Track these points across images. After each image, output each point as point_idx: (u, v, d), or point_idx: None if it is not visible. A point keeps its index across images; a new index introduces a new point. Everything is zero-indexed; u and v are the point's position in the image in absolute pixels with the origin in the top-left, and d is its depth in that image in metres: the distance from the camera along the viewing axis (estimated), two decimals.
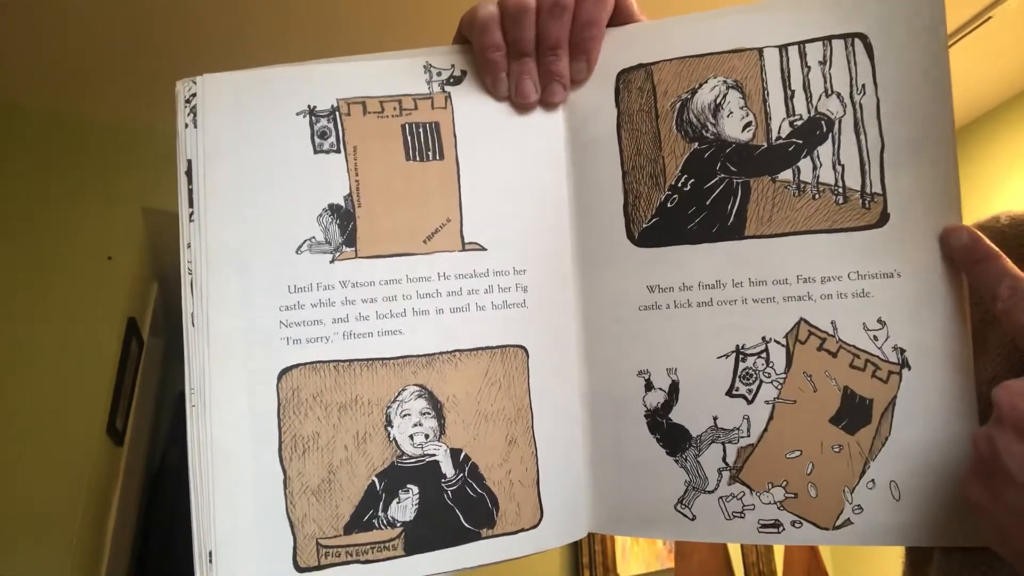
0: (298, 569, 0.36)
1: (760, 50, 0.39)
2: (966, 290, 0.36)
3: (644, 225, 0.41)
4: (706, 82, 0.40)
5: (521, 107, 0.42)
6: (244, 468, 0.36)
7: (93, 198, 1.78)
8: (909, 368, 0.36)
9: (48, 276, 1.72)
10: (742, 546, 2.12)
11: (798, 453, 0.38)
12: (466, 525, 0.38)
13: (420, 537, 0.37)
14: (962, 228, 0.35)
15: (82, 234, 1.76)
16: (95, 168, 1.82)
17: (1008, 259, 0.33)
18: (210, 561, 0.35)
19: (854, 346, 0.37)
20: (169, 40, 1.55)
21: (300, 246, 0.39)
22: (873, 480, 0.36)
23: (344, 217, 0.40)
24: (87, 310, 1.72)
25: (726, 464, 0.39)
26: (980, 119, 2.15)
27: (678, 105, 0.41)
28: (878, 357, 0.37)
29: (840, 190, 0.38)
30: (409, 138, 0.41)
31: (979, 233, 0.34)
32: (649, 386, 0.40)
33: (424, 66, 0.42)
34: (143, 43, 1.59)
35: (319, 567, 0.36)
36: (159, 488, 2.46)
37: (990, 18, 1.67)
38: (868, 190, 0.38)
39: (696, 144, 0.41)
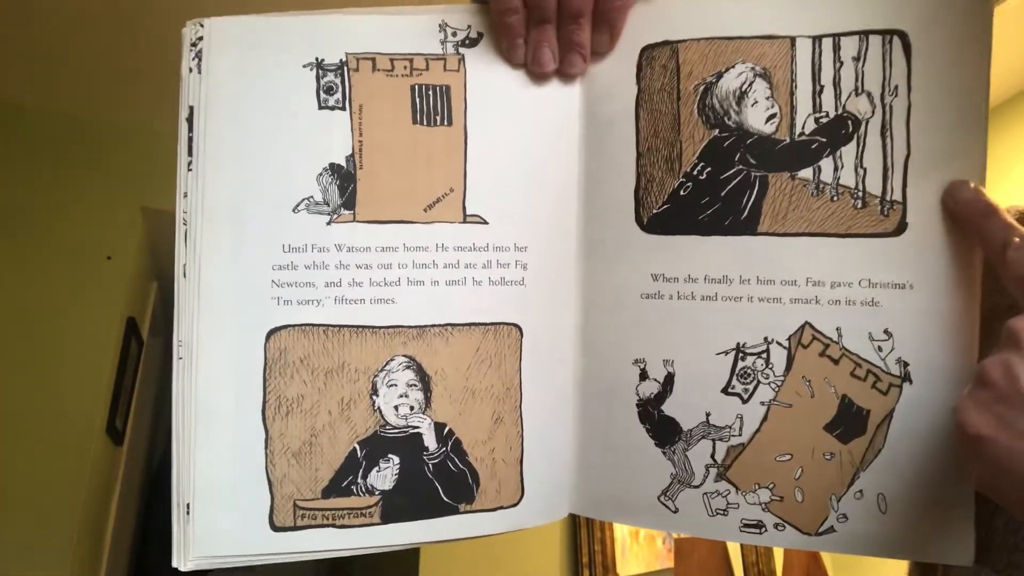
0: (273, 528, 0.37)
1: (793, 39, 0.39)
2: (978, 308, 0.36)
3: (655, 211, 0.41)
4: (733, 67, 0.40)
5: (537, 76, 0.41)
6: (226, 424, 0.37)
7: (93, 198, 1.81)
8: (911, 382, 0.37)
9: (48, 276, 1.75)
10: (742, 546, 2.16)
11: (788, 457, 0.38)
12: (445, 499, 0.39)
13: (397, 507, 0.38)
14: (966, 183, 0.36)
15: (82, 234, 1.79)
16: (95, 168, 1.85)
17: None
18: (187, 513, 0.36)
19: (857, 355, 0.37)
20: (169, 40, 1.53)
21: (297, 205, 0.39)
22: (861, 491, 0.37)
23: (345, 178, 0.40)
24: (87, 310, 1.75)
25: (714, 461, 0.39)
26: None
27: (702, 88, 0.40)
28: (880, 368, 0.37)
29: (860, 194, 0.38)
30: (418, 100, 0.41)
31: (982, 188, 0.35)
32: (644, 376, 0.41)
33: (440, 25, 0.41)
34: (143, 43, 1.59)
35: (295, 527, 0.37)
36: (159, 488, 2.49)
37: None
38: (888, 197, 0.38)
39: (716, 131, 0.40)
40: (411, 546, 0.39)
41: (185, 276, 0.38)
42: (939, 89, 0.36)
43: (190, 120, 0.39)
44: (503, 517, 0.41)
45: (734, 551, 2.03)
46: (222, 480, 0.37)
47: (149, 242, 1.95)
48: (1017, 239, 0.32)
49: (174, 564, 0.36)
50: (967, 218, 0.35)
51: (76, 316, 1.74)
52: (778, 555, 2.07)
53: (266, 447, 0.37)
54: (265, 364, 0.38)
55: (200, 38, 0.40)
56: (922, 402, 0.36)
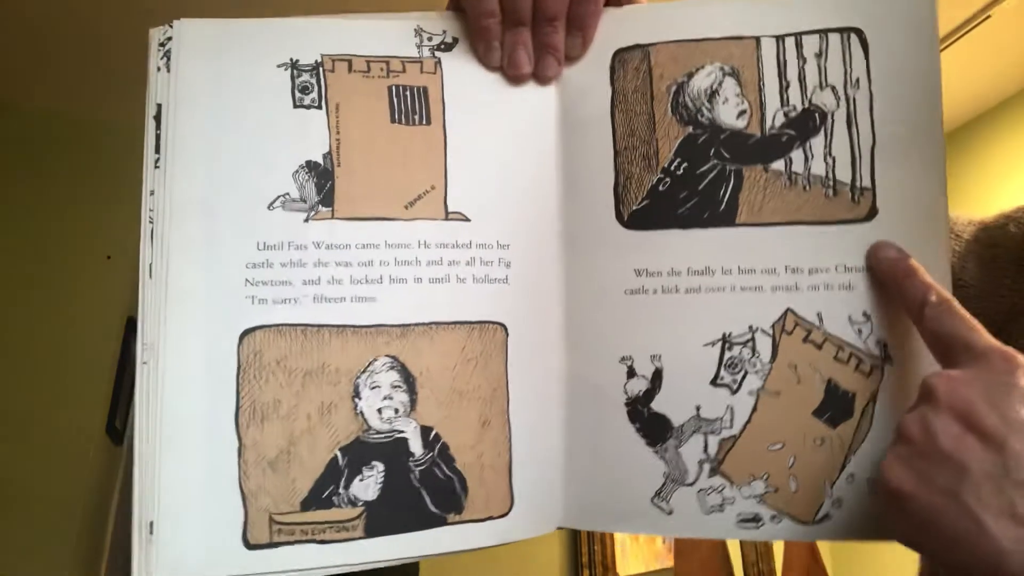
0: (247, 546, 0.34)
1: (758, 39, 0.41)
2: (950, 287, 0.38)
3: (634, 207, 0.42)
4: (703, 67, 0.42)
5: (513, 78, 0.42)
6: (196, 433, 0.35)
7: (93, 198, 1.83)
8: (891, 363, 0.38)
9: (47, 276, 1.78)
10: (742, 545, 2.14)
11: (780, 445, 0.38)
12: (432, 509, 0.37)
13: (382, 519, 0.36)
14: (890, 244, 0.38)
15: (81, 234, 1.81)
16: (94, 168, 1.87)
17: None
18: (150, 532, 0.33)
19: (839, 338, 0.38)
20: None
21: (273, 202, 0.38)
22: (852, 474, 0.37)
23: (322, 175, 0.39)
24: (87, 310, 1.76)
25: (707, 456, 0.39)
26: (980, 118, 2.23)
27: (674, 88, 0.42)
28: (862, 351, 0.38)
29: (831, 183, 0.40)
30: (395, 100, 0.41)
31: (903, 250, 0.37)
32: (632, 373, 0.41)
33: (415, 30, 0.42)
34: (143, 43, 1.62)
35: (271, 544, 0.35)
36: None
37: (989, 16, 1.74)
38: (858, 184, 0.40)
39: (690, 128, 0.42)
40: (397, 562, 0.37)
41: (151, 276, 0.36)
42: (896, 79, 0.39)
43: (158, 118, 0.38)
44: (493, 528, 0.39)
45: (734, 551, 2.02)
46: (190, 494, 0.34)
47: None
48: (934, 297, 0.34)
49: None
50: (889, 277, 0.37)
51: (76, 316, 1.75)
52: (778, 554, 2.05)
53: (239, 456, 0.35)
54: (238, 367, 0.36)
55: (169, 38, 0.40)
56: (903, 382, 0.37)
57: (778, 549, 2.03)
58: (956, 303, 0.34)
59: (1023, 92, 2.12)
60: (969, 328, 0.33)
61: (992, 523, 0.28)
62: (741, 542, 2.14)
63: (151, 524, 0.33)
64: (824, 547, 1.89)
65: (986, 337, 0.32)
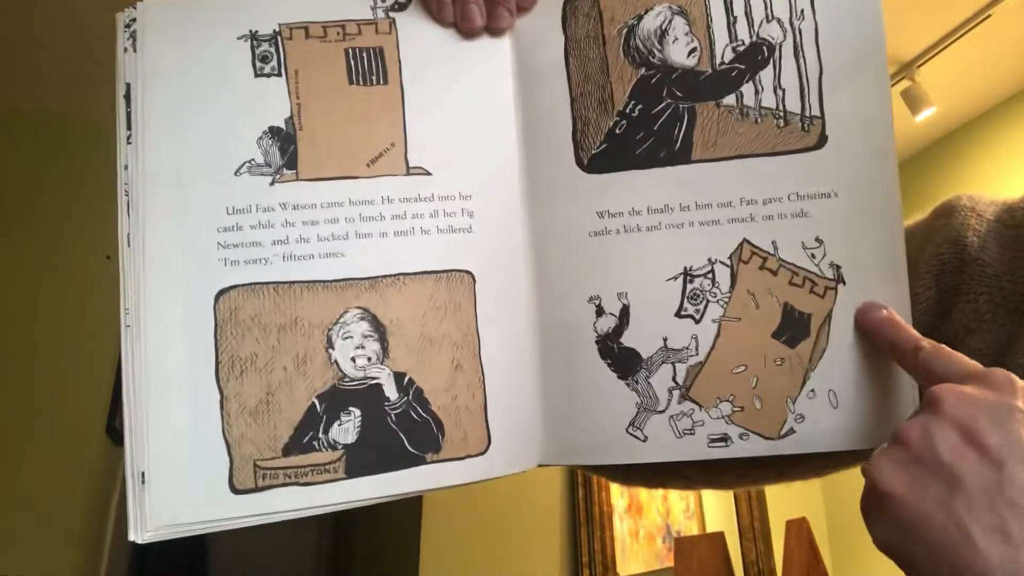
0: (234, 491, 0.37)
1: None
2: (899, 209, 0.39)
3: (593, 151, 0.43)
4: (652, 8, 0.43)
5: (467, 32, 0.43)
6: (179, 388, 0.37)
7: (91, 197, 1.85)
8: (844, 283, 0.39)
9: (47, 275, 1.80)
10: (742, 545, 2.16)
11: (743, 368, 0.40)
12: (410, 449, 0.40)
13: (362, 460, 0.39)
14: (877, 305, 0.39)
15: (81, 233, 1.83)
16: (93, 167, 1.87)
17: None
18: (142, 482, 0.36)
19: (793, 264, 0.40)
20: None
21: (239, 168, 0.40)
22: (813, 390, 0.39)
23: (285, 140, 0.41)
24: (86, 309, 1.78)
25: (676, 383, 0.41)
26: (980, 117, 2.26)
27: (624, 31, 0.43)
28: (815, 274, 0.40)
29: (781, 114, 0.41)
30: (353, 62, 0.43)
31: (890, 309, 0.39)
32: (600, 312, 0.42)
33: None
34: None
35: (256, 489, 0.37)
36: None
37: (990, 16, 1.76)
38: (807, 113, 0.41)
39: (643, 70, 0.43)
40: (380, 500, 0.39)
41: (129, 245, 0.38)
42: (839, 7, 0.40)
43: (127, 97, 0.40)
44: (472, 466, 0.41)
45: (734, 551, 2.03)
46: (178, 445, 0.37)
47: None
48: (925, 343, 0.35)
49: (130, 537, 0.36)
50: (880, 335, 0.38)
51: (75, 316, 1.77)
52: (778, 554, 2.07)
53: (221, 408, 0.37)
54: (216, 325, 0.38)
55: (133, 19, 0.41)
56: (856, 299, 0.39)
57: (778, 549, 2.04)
58: (946, 347, 0.35)
59: (1023, 92, 2.13)
60: (964, 360, 0.34)
61: (981, 537, 0.28)
62: (741, 542, 2.17)
63: (142, 474, 0.36)
64: (824, 547, 1.89)
65: (980, 365, 0.33)
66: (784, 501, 2.29)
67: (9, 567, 1.57)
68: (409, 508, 1.74)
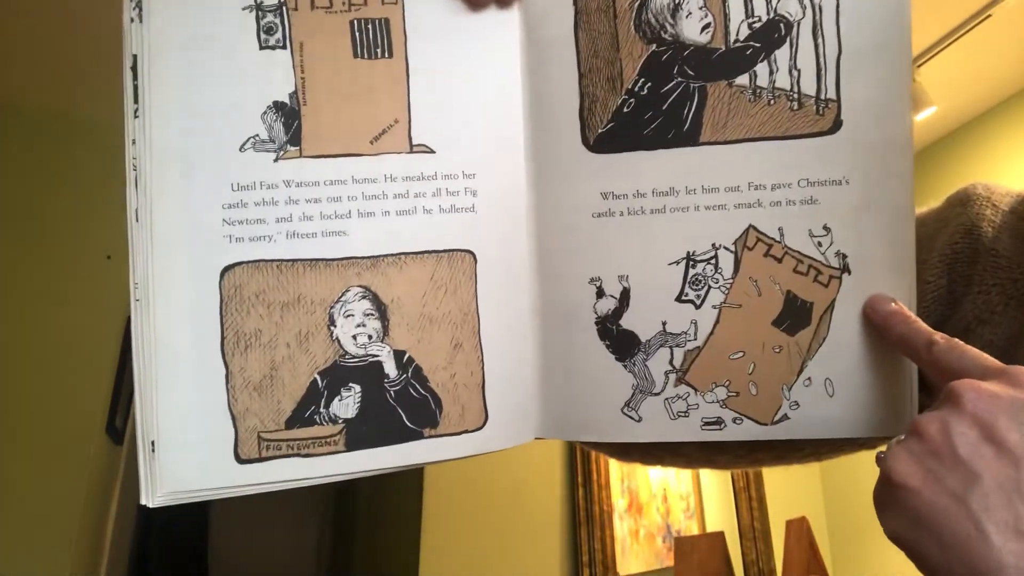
0: (239, 461, 0.38)
1: None
2: (911, 199, 0.38)
3: (600, 130, 0.42)
4: None
5: (474, 4, 0.42)
6: (186, 362, 0.38)
7: (92, 197, 1.84)
8: (849, 273, 0.39)
9: (47, 275, 1.80)
10: (742, 545, 2.19)
11: (741, 354, 0.40)
12: (409, 424, 0.41)
13: (361, 434, 0.40)
14: (886, 298, 0.38)
15: (81, 233, 1.82)
16: (94, 167, 1.86)
17: None
18: (152, 450, 0.37)
19: (799, 252, 0.39)
20: None
21: (244, 144, 0.40)
22: (810, 378, 0.39)
23: (289, 115, 0.41)
24: (86, 309, 1.78)
25: (673, 367, 0.41)
26: (980, 117, 2.23)
27: (636, 4, 0.42)
28: (821, 262, 0.39)
29: (795, 96, 0.40)
30: (357, 34, 0.42)
31: (899, 302, 0.38)
32: (600, 293, 0.43)
33: None
34: None
35: (260, 459, 0.39)
36: None
37: (990, 15, 1.72)
38: (823, 96, 0.39)
39: (654, 46, 0.42)
40: (379, 472, 0.41)
41: (137, 220, 0.39)
42: None
43: (135, 69, 0.40)
44: (468, 441, 0.42)
45: (734, 551, 2.05)
46: (185, 416, 0.38)
47: None
48: (939, 338, 0.35)
49: (142, 501, 0.38)
50: (890, 328, 0.37)
51: (76, 316, 1.78)
52: (778, 554, 2.09)
53: (227, 382, 0.39)
54: (221, 301, 0.39)
55: None
56: (860, 290, 0.38)
57: (778, 549, 2.04)
58: (960, 341, 0.34)
59: (1023, 92, 2.09)
60: (981, 355, 0.33)
61: (995, 532, 0.28)
62: (741, 542, 2.18)
63: (152, 443, 0.37)
64: (824, 547, 1.89)
65: (999, 362, 0.32)
66: (784, 501, 2.29)
67: (9, 567, 1.59)
68: (409, 507, 1.76)
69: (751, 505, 2.27)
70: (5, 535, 1.61)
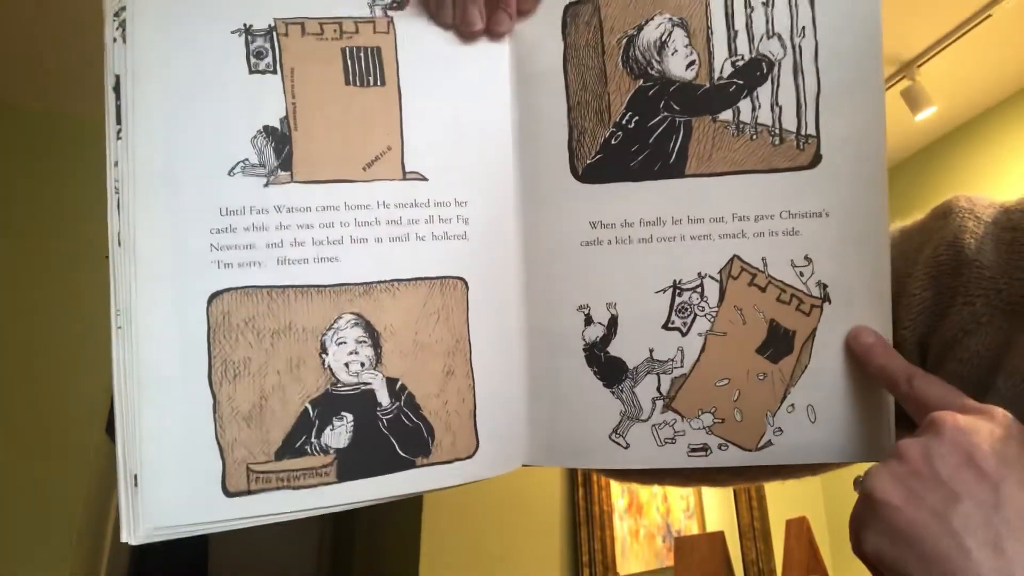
0: (227, 494, 0.37)
1: None
2: (887, 232, 0.40)
3: (588, 161, 0.44)
4: (652, 19, 0.43)
5: (466, 35, 0.43)
6: (172, 391, 0.37)
7: (93, 198, 1.81)
8: (830, 302, 0.40)
9: (47, 275, 1.82)
10: (741, 544, 2.22)
11: (726, 381, 0.41)
12: (401, 453, 0.40)
13: (353, 464, 0.39)
14: (868, 329, 0.40)
15: (82, 234, 1.82)
16: (94, 167, 1.84)
17: None
18: (135, 484, 0.36)
19: (782, 281, 0.41)
20: None
21: (233, 168, 0.40)
22: (793, 404, 0.40)
23: (280, 140, 0.41)
24: (86, 309, 1.78)
25: (660, 393, 0.42)
26: (980, 117, 2.28)
27: (624, 41, 0.43)
28: (803, 291, 0.41)
29: (777, 131, 0.42)
30: (349, 62, 0.42)
31: (880, 334, 0.40)
32: (588, 320, 0.43)
33: None
34: None
35: (248, 492, 0.38)
36: None
37: (989, 16, 1.77)
38: (803, 132, 0.41)
39: (641, 81, 0.43)
40: (370, 503, 0.40)
41: (120, 244, 0.38)
42: (840, 27, 0.40)
43: (117, 89, 0.39)
44: (459, 469, 0.42)
45: (734, 551, 2.07)
46: (170, 448, 0.37)
47: None
48: (919, 371, 0.37)
49: (123, 538, 0.36)
50: (871, 359, 0.39)
51: (75, 316, 1.78)
52: (778, 554, 2.12)
53: (214, 412, 0.38)
54: (209, 328, 0.38)
55: (123, 8, 0.40)
56: (840, 318, 0.40)
57: (778, 549, 2.08)
58: (939, 379, 0.36)
59: (1023, 92, 2.14)
60: (959, 392, 0.35)
61: (976, 548, 0.29)
62: (741, 542, 2.22)
63: (135, 477, 0.36)
64: (824, 547, 1.94)
65: (976, 402, 0.34)
66: (784, 501, 2.33)
67: (9, 568, 1.59)
68: (409, 509, 1.76)
69: (751, 505, 2.30)
70: (5, 535, 1.61)
